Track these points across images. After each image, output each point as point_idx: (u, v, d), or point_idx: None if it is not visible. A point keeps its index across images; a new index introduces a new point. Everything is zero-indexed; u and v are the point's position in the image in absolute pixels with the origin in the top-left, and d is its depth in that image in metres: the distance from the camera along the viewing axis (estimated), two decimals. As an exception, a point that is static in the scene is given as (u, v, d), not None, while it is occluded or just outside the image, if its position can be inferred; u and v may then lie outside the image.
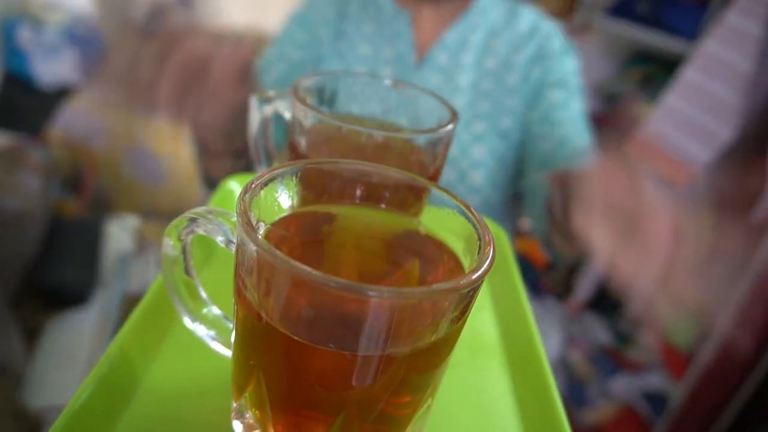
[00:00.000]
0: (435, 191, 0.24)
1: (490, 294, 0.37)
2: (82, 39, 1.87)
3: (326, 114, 0.32)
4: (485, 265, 0.19)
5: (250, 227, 0.19)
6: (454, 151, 0.70)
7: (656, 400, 1.33)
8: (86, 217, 1.14)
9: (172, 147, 1.51)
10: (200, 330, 0.25)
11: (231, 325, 0.25)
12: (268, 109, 0.37)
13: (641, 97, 1.45)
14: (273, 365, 0.20)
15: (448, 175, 0.70)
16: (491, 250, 0.20)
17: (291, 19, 0.79)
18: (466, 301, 0.20)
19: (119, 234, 1.17)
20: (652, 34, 1.30)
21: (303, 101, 0.32)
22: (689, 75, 1.16)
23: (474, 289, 0.19)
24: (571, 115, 0.70)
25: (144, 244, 1.46)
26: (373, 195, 0.25)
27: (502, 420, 0.27)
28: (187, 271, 0.24)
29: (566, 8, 1.55)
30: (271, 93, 0.36)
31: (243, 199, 0.20)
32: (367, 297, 0.17)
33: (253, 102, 0.37)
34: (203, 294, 0.25)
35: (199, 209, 0.22)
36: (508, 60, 0.73)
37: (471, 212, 0.22)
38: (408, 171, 0.25)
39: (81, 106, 1.55)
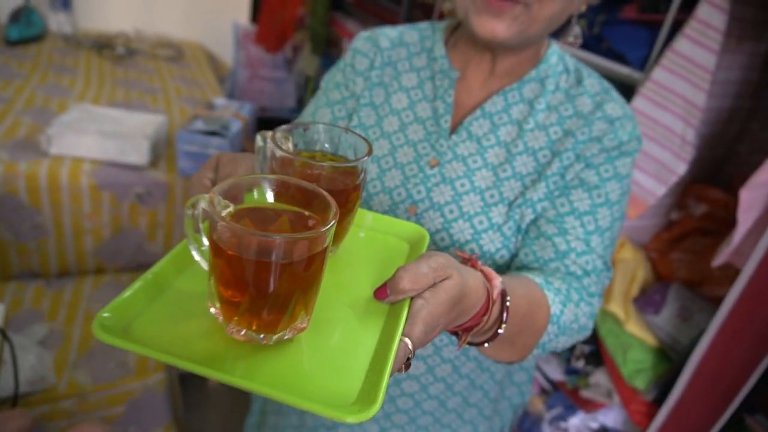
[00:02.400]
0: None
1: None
2: None
3: (287, 152, 0.45)
4: (328, 226, 0.35)
5: (213, 206, 0.35)
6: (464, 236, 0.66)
7: (615, 439, 1.29)
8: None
9: (54, 195, 1.24)
10: (202, 262, 0.40)
11: None
12: (269, 145, 0.48)
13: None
14: (219, 269, 0.36)
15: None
16: (334, 221, 0.36)
17: (328, 79, 0.76)
18: (319, 243, 0.36)
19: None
20: (593, 56, 1.23)
21: (275, 142, 0.45)
22: (639, 105, 1.09)
23: (319, 236, 0.35)
24: (589, 229, 0.61)
25: (20, 328, 1.18)
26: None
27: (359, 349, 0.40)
28: (197, 230, 0.39)
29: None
30: (268, 133, 0.48)
31: (213, 192, 0.36)
32: (259, 238, 0.34)
33: (258, 138, 0.48)
34: (205, 241, 0.39)
35: (205, 195, 0.37)
36: (554, 144, 0.63)
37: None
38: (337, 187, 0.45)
39: None
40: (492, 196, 0.63)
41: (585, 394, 1.29)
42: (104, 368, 1.10)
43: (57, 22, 2.29)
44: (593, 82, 0.65)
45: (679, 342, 1.13)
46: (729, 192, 1.24)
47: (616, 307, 1.23)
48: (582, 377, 1.33)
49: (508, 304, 0.49)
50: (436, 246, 0.64)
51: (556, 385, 1.42)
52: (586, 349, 1.28)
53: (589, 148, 0.62)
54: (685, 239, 1.30)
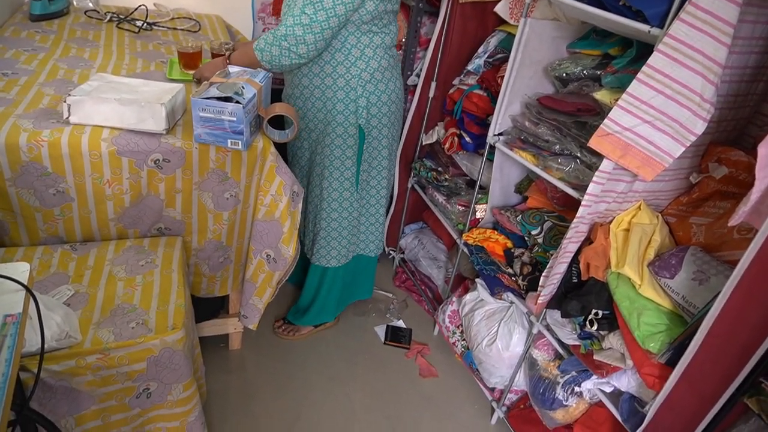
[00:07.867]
0: None
1: None
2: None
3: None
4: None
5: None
6: None
7: (628, 402, 1.29)
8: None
9: (75, 162, 1.27)
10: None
11: None
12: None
13: (598, 82, 1.34)
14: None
15: None
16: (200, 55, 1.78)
17: None
18: None
19: (4, 298, 0.91)
20: (610, 12, 1.19)
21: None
22: (656, 63, 1.06)
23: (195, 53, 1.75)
24: (302, 5, 1.39)
25: (47, 289, 1.23)
26: None
27: None
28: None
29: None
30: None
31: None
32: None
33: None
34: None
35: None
36: None
37: None
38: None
39: (-49, 117, 1.27)
40: None
41: (598, 358, 1.29)
42: (126, 327, 1.15)
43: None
44: None
45: (695, 305, 1.11)
46: (752, 154, 1.20)
47: (630, 271, 1.21)
48: (596, 341, 1.33)
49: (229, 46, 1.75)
50: None
51: (570, 350, 1.42)
52: (600, 313, 1.28)
53: None
54: (705, 202, 1.27)
